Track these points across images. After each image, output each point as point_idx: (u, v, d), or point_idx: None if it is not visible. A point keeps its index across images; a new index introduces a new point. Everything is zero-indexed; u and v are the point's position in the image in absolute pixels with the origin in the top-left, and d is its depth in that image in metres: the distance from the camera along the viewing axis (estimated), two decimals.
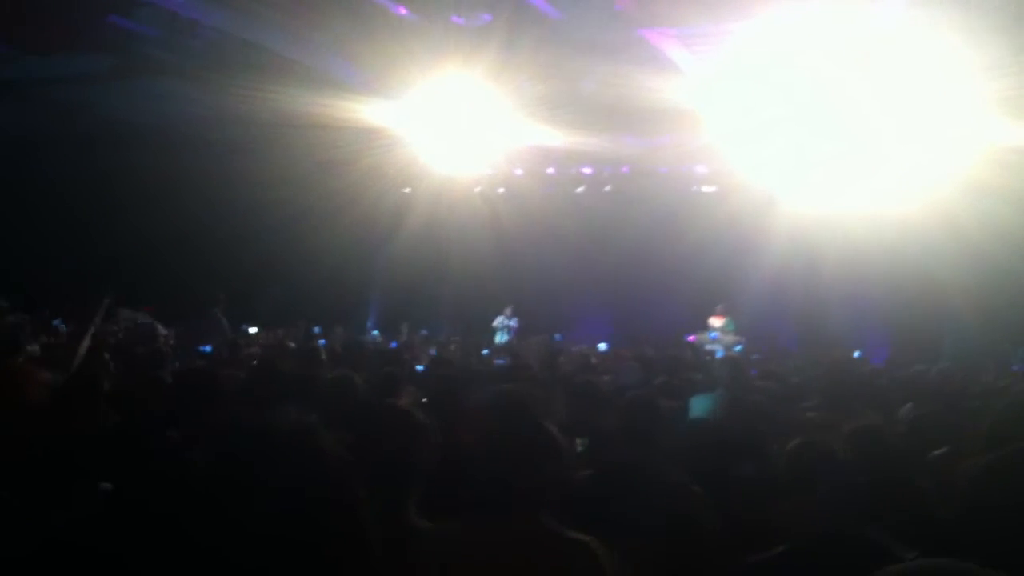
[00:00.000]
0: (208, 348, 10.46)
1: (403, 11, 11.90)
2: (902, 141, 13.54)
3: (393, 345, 14.41)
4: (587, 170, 18.28)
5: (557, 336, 17.79)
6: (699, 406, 5.51)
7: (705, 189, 17.94)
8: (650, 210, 18.39)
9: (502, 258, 19.00)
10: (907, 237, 15.52)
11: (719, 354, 14.33)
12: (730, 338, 16.81)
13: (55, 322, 13.70)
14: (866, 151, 13.73)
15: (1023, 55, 11.66)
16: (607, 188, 18.44)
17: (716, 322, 17.22)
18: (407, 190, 19.39)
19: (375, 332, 18.66)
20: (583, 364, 9.28)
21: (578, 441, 4.32)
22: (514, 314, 18.22)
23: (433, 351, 12.46)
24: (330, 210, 17.17)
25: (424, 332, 18.39)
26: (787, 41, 11.36)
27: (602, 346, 16.72)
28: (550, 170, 18.33)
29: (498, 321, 18.11)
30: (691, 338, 16.93)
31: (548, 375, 7.22)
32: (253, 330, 15.85)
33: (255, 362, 8.09)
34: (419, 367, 8.94)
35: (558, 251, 18.89)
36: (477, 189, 18.88)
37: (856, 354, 15.39)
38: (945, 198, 14.41)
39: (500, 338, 17.51)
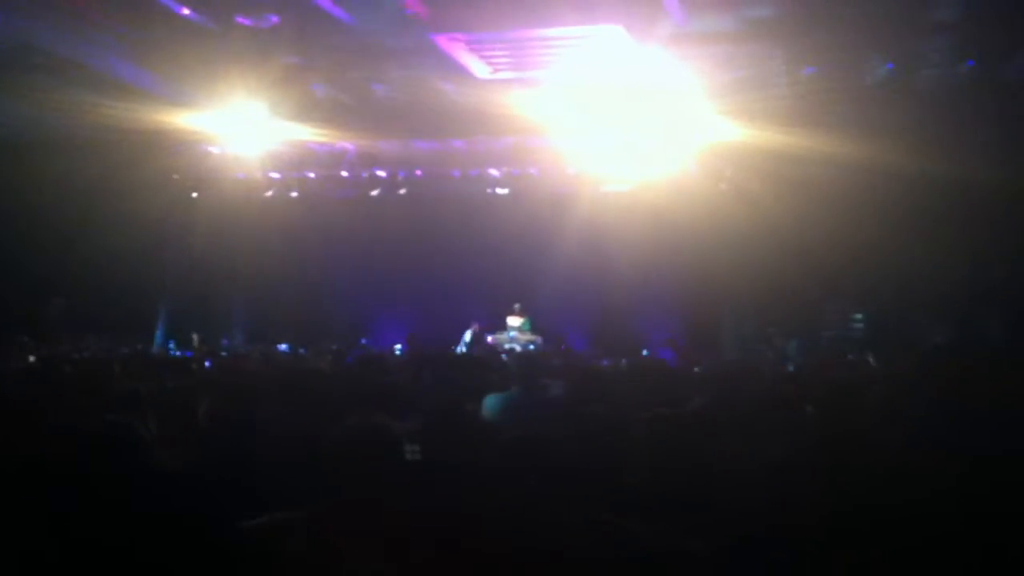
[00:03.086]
0: None
1: (186, 11, 11.55)
2: (680, 145, 14.46)
3: (188, 355, 14.01)
4: (381, 173, 18.20)
5: (363, 340, 17.74)
6: (492, 405, 5.59)
7: (499, 191, 18.24)
8: (446, 212, 18.52)
9: (296, 263, 18.70)
10: (685, 237, 16.42)
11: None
12: (527, 336, 17.22)
13: None
14: (641, 153, 14.57)
15: (794, 68, 12.62)
16: (402, 191, 18.43)
17: (514, 321, 17.59)
18: (194, 195, 18.83)
19: (171, 343, 17.97)
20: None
21: None
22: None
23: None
24: (116, 217, 16.37)
25: (225, 343, 17.95)
26: (571, 52, 11.70)
27: (398, 348, 16.74)
28: (343, 173, 18.16)
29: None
30: (490, 339, 17.26)
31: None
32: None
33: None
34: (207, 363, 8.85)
35: (354, 255, 18.75)
36: (268, 193, 18.52)
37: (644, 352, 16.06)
38: (715, 201, 15.46)
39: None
